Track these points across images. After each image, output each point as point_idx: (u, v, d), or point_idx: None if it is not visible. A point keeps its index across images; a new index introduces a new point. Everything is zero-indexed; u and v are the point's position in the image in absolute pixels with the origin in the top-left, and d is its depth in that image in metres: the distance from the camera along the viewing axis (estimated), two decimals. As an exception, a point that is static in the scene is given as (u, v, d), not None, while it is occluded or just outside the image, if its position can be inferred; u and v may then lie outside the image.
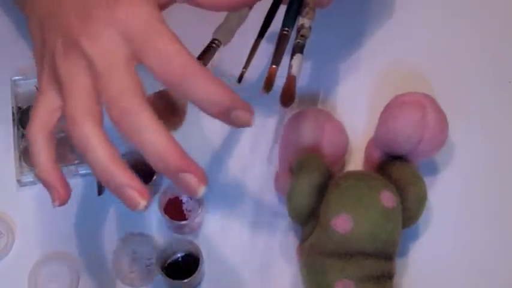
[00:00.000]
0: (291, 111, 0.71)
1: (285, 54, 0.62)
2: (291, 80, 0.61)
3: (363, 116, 0.72)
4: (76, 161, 0.69)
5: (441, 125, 0.65)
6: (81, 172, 0.69)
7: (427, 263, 0.66)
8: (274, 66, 0.61)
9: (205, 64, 0.61)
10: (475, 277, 0.66)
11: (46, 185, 0.55)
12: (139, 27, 0.52)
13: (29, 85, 0.72)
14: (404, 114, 0.64)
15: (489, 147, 0.71)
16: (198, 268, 0.63)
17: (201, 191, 0.51)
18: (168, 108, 0.59)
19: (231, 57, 0.63)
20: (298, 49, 0.63)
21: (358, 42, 0.75)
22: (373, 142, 0.68)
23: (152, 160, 0.51)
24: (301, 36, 0.63)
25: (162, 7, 0.55)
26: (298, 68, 0.62)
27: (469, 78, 0.74)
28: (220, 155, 0.70)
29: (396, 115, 0.65)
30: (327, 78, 0.74)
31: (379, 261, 0.61)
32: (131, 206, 0.51)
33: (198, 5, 0.57)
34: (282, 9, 0.66)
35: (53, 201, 0.55)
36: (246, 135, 0.71)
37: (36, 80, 0.56)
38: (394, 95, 0.67)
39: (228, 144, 0.70)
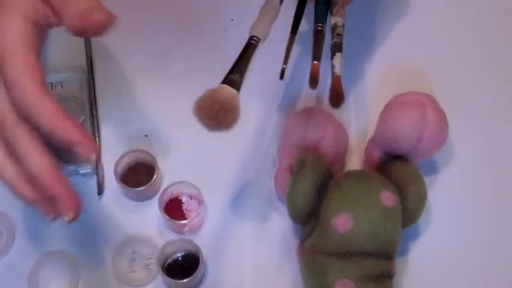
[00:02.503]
0: (291, 111, 0.71)
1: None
2: (336, 80, 0.61)
3: (363, 115, 0.72)
4: (76, 161, 0.69)
5: (441, 125, 0.65)
6: (81, 172, 0.69)
7: (427, 263, 0.66)
8: (315, 62, 0.61)
9: (247, 61, 0.60)
10: (475, 277, 0.66)
11: None
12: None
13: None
14: (404, 113, 0.64)
15: (489, 147, 0.71)
16: (198, 268, 0.63)
17: None
18: (222, 108, 0.58)
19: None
20: (337, 48, 0.63)
21: (358, 42, 0.75)
22: (373, 142, 0.68)
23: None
24: (337, 35, 0.64)
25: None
26: (341, 66, 0.62)
27: (469, 78, 0.74)
28: (220, 155, 0.70)
29: (396, 115, 0.65)
30: (327, 78, 0.74)
31: (379, 260, 0.61)
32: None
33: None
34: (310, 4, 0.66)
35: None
36: (246, 134, 0.71)
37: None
38: (394, 95, 0.67)
39: (227, 144, 0.70)
